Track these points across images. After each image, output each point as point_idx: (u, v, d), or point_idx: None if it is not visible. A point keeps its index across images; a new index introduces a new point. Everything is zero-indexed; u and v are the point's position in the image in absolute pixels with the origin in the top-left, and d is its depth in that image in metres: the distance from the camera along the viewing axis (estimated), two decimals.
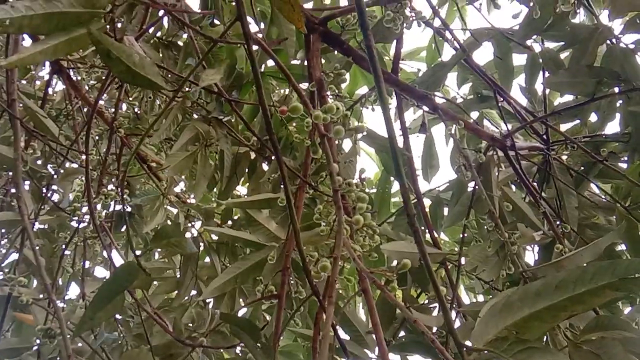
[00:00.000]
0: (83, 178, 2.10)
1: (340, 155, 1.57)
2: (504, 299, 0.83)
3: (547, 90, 1.99)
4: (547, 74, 1.89)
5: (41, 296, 1.99)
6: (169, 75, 2.36)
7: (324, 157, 1.14)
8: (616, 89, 1.73)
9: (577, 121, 2.01)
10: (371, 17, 1.63)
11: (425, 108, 1.72)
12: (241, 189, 2.77)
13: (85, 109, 2.62)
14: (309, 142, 1.51)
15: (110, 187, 2.40)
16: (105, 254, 2.11)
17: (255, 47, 1.14)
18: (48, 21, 1.14)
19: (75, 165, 2.53)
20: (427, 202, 2.16)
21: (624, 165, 1.91)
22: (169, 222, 2.84)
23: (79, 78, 2.55)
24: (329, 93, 1.57)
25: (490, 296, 1.97)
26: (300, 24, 1.19)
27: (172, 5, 1.23)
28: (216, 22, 2.38)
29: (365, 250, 1.24)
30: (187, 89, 1.65)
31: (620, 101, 1.81)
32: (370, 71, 1.62)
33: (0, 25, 1.10)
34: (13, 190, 2.23)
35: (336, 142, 1.50)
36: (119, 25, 1.68)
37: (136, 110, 2.60)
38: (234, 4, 2.17)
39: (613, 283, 0.75)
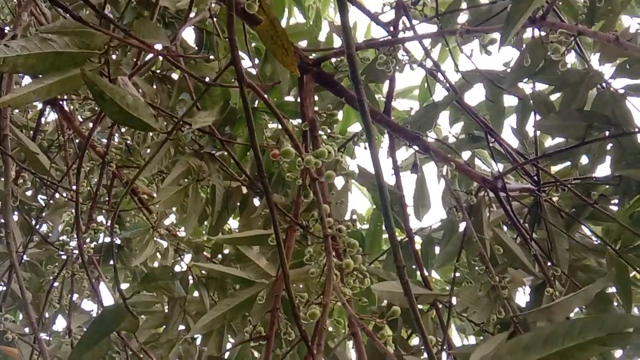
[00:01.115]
0: (73, 211, 2.10)
1: (331, 195, 1.57)
2: (493, 351, 0.82)
3: (538, 132, 2.00)
4: (538, 117, 1.91)
5: (27, 330, 1.97)
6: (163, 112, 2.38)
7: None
8: (607, 133, 1.75)
9: (568, 162, 2.02)
10: (363, 59, 1.65)
11: (417, 148, 1.73)
12: (232, 222, 2.76)
13: (77, 140, 2.62)
14: (300, 181, 1.52)
15: (100, 219, 2.40)
16: (93, 286, 2.09)
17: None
18: (43, 61, 1.15)
19: (65, 195, 2.52)
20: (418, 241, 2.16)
21: (616, 208, 1.92)
22: (158, 255, 2.82)
23: (72, 108, 2.56)
24: (321, 132, 1.57)
25: (482, 337, 1.95)
26: (294, 67, 1.20)
27: (166, 49, 1.24)
28: (211, 57, 2.40)
29: (355, 292, 1.23)
30: (180, 129, 1.65)
31: (611, 144, 1.83)
32: None
33: None
34: (2, 220, 2.22)
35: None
36: (114, 56, 1.69)
37: (128, 142, 2.61)
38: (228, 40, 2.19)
39: (601, 338, 0.75)
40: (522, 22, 0.92)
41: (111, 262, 2.53)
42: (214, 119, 1.23)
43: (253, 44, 2.22)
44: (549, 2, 1.21)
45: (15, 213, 2.23)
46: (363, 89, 0.72)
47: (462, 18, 2.18)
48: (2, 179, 2.43)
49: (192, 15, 1.95)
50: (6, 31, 2.24)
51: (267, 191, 1.13)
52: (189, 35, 2.37)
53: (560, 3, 1.80)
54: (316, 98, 2.14)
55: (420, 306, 1.79)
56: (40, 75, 1.16)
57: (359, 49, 1.66)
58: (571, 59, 2.14)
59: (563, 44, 1.23)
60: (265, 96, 1.15)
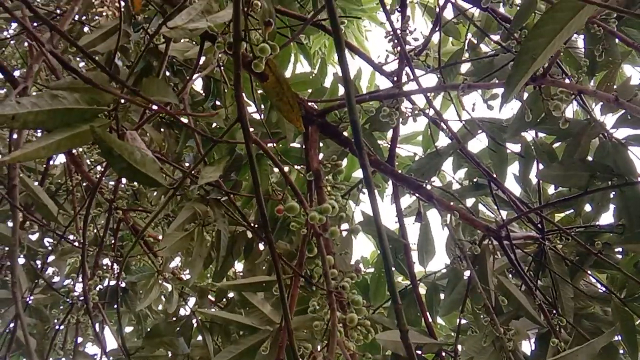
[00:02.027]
0: (79, 256, 2.11)
1: (335, 244, 1.58)
2: None
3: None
4: (540, 165, 1.92)
5: None
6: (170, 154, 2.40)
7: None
8: (609, 183, 1.76)
9: (572, 209, 2.03)
10: (367, 111, 1.67)
11: (421, 197, 1.74)
12: (237, 265, 2.77)
13: (84, 183, 2.65)
14: (304, 230, 1.53)
15: (105, 261, 2.40)
16: (97, 332, 2.09)
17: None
18: (53, 117, 1.17)
19: (73, 238, 2.54)
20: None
21: (620, 256, 1.92)
22: (162, 299, 2.82)
23: (80, 152, 2.59)
24: (326, 182, 1.58)
25: None
26: (299, 123, 1.22)
27: (173, 108, 1.26)
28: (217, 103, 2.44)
29: (359, 345, 1.23)
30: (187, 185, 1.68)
31: (614, 193, 1.84)
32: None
33: (5, 121, 1.12)
34: (8, 263, 2.23)
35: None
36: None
37: (134, 187, 2.63)
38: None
39: None
40: (522, 82, 0.94)
41: (116, 306, 2.55)
42: (220, 174, 1.25)
43: (259, 91, 2.26)
44: (550, 61, 1.24)
45: (22, 257, 2.25)
46: (367, 158, 0.74)
47: (465, 66, 2.22)
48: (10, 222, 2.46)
49: (200, 62, 1.99)
50: (16, 76, 2.28)
51: (271, 246, 1.14)
52: (197, 82, 2.41)
53: (562, 54, 1.83)
54: (321, 144, 2.18)
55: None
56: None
57: (362, 101, 1.68)
58: (574, 106, 2.17)
59: (564, 101, 1.25)
60: (270, 144, 1.16)
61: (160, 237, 2.80)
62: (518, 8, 1.82)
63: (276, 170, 2.57)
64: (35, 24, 2.46)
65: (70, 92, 1.21)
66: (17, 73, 3.32)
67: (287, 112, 1.23)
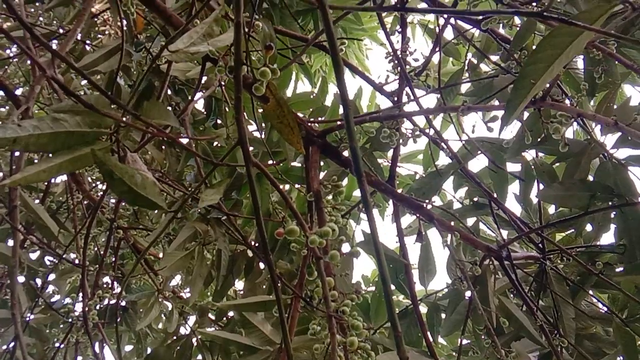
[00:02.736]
0: (79, 274, 2.10)
1: (336, 266, 1.57)
2: None
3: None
4: (541, 185, 1.92)
5: None
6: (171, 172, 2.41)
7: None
8: (610, 203, 1.76)
9: (573, 229, 2.02)
10: (367, 132, 1.68)
11: (421, 217, 1.74)
12: (238, 283, 2.76)
13: (85, 202, 2.65)
14: (305, 251, 1.52)
15: (106, 279, 2.40)
16: (96, 352, 2.08)
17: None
18: (54, 140, 1.17)
19: (74, 256, 2.53)
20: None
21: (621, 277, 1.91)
22: (163, 317, 2.81)
23: (81, 170, 2.59)
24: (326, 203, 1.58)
25: None
26: (299, 146, 1.23)
27: (176, 134, 1.27)
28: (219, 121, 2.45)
29: None
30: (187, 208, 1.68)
31: (614, 213, 1.83)
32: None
33: (7, 144, 1.12)
34: (8, 281, 2.23)
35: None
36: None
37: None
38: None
39: None
40: (522, 107, 0.95)
41: (115, 325, 2.54)
42: (220, 196, 1.25)
43: (260, 110, 2.26)
44: (549, 84, 1.24)
45: (22, 276, 2.24)
46: (366, 183, 0.74)
47: (465, 85, 2.23)
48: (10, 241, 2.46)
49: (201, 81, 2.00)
50: (18, 95, 2.29)
51: (271, 269, 1.14)
52: (198, 100, 2.42)
53: (561, 75, 1.83)
54: (322, 163, 2.18)
55: None
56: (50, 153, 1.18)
57: (362, 122, 1.69)
58: (574, 126, 2.17)
59: (563, 124, 1.26)
60: (272, 178, 1.17)
61: (160, 255, 2.79)
62: (517, 29, 1.83)
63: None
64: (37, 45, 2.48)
65: (71, 115, 1.21)
66: (19, 91, 3.34)
67: (288, 135, 1.23)
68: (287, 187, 2.55)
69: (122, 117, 1.15)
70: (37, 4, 2.78)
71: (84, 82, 2.98)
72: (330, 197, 1.74)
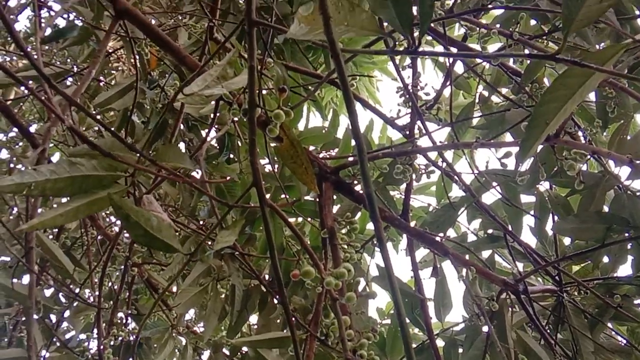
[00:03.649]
0: (94, 312, 2.10)
1: (351, 304, 1.57)
2: None
3: None
4: (556, 217, 1.91)
5: None
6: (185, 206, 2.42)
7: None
8: (626, 235, 1.74)
9: (589, 261, 2.00)
10: (380, 167, 1.68)
11: (436, 252, 1.73)
12: (252, 317, 2.75)
13: (99, 237, 2.66)
14: (319, 288, 1.52)
15: (120, 314, 2.39)
16: None
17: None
18: (71, 184, 1.18)
19: (87, 291, 2.53)
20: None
21: None
22: (177, 352, 2.80)
23: None
24: (340, 240, 1.58)
25: None
26: (313, 185, 1.23)
27: (190, 176, 1.28)
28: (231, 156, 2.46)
29: None
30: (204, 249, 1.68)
31: (631, 245, 1.82)
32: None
33: (25, 189, 1.13)
34: (23, 318, 2.23)
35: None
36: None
37: None
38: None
39: None
40: (536, 147, 0.95)
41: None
42: (235, 237, 1.25)
43: (273, 144, 2.27)
44: (563, 122, 1.24)
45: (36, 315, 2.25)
46: (381, 225, 0.74)
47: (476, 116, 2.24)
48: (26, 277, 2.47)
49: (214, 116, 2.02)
50: (33, 132, 2.32)
51: (286, 309, 1.14)
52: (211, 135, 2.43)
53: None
54: (335, 197, 2.18)
55: None
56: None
57: (375, 158, 1.70)
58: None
59: (578, 161, 1.25)
60: (285, 217, 1.17)
61: (174, 290, 2.79)
62: (528, 62, 1.84)
63: (290, 219, 2.57)
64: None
65: (88, 158, 1.22)
66: (33, 127, 3.38)
67: (302, 175, 1.24)
68: (298, 219, 2.56)
69: (138, 161, 1.16)
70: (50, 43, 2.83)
71: (99, 116, 3.02)
72: (344, 231, 1.75)
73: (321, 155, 2.56)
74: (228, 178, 2.22)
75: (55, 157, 3.18)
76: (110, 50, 2.87)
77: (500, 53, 1.47)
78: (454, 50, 1.81)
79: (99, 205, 1.22)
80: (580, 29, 0.93)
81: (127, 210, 1.11)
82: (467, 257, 1.94)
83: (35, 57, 2.21)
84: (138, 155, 1.14)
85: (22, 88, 3.50)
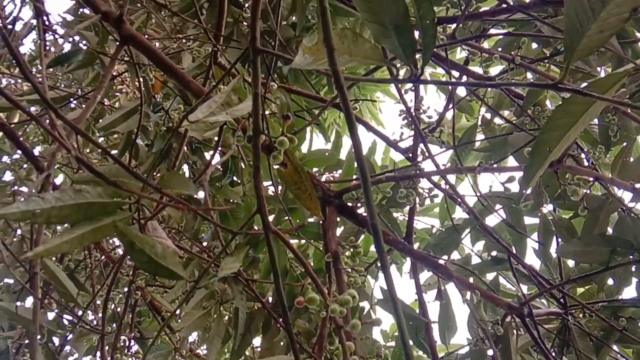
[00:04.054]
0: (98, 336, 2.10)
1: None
2: None
3: None
4: (560, 240, 1.91)
5: None
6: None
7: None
8: (631, 257, 1.74)
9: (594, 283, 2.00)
10: (384, 192, 1.69)
11: (440, 275, 1.73)
12: (255, 340, 2.73)
13: (102, 257, 2.66)
14: (324, 313, 1.52)
15: (123, 337, 2.39)
16: None
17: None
18: (76, 211, 1.19)
19: (90, 314, 2.53)
20: None
21: None
22: None
23: None
24: (344, 264, 1.58)
25: None
26: (317, 212, 1.23)
27: (194, 199, 1.29)
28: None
29: None
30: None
31: (635, 267, 1.81)
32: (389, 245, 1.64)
33: (30, 217, 1.14)
34: (26, 341, 2.23)
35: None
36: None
37: None
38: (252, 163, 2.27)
39: None
40: (539, 174, 0.95)
41: None
42: (240, 264, 1.25)
43: (276, 167, 2.28)
44: (566, 148, 1.24)
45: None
46: (386, 257, 0.74)
47: (479, 138, 2.24)
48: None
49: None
50: (37, 155, 2.33)
51: (290, 335, 1.13)
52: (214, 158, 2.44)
53: None
54: (338, 219, 2.18)
55: None
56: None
57: (379, 182, 1.70)
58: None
59: (581, 187, 1.26)
60: (291, 244, 1.17)
61: (177, 311, 2.78)
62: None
63: (293, 240, 2.57)
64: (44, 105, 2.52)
65: (93, 185, 1.23)
66: (37, 149, 3.40)
67: (306, 201, 1.24)
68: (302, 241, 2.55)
69: (142, 188, 1.16)
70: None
71: (101, 139, 3.03)
72: (348, 254, 1.75)
73: (324, 177, 2.57)
74: (232, 202, 2.22)
75: (59, 179, 3.19)
76: (114, 74, 2.89)
77: (503, 82, 1.48)
78: (455, 73, 1.82)
79: (103, 232, 1.22)
80: (581, 58, 0.94)
81: (132, 237, 1.11)
82: (471, 279, 1.93)
83: (40, 80, 2.24)
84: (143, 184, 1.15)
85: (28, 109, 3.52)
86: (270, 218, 2.44)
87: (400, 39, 0.98)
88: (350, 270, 1.54)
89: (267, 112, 1.60)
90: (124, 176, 1.25)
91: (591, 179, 1.27)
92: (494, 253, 2.12)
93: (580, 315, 1.91)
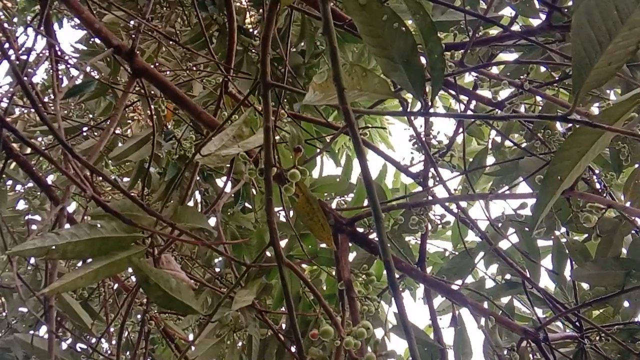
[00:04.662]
0: None
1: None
2: None
3: None
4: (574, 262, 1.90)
5: None
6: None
7: None
8: None
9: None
10: (396, 218, 1.69)
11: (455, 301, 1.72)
12: None
13: (115, 285, 2.66)
14: (338, 342, 1.51)
15: None
16: None
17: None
18: (91, 247, 1.20)
19: (104, 341, 2.53)
20: None
21: None
22: None
23: None
24: (358, 293, 1.58)
25: None
26: (330, 242, 1.24)
27: (207, 237, 1.29)
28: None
29: None
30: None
31: None
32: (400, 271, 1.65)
33: (46, 253, 1.15)
34: None
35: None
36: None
37: None
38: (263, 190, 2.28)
39: None
40: (551, 204, 0.95)
41: None
42: (254, 297, 1.26)
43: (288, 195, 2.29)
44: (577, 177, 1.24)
45: None
46: (396, 280, 0.75)
47: (490, 161, 2.24)
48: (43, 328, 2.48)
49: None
50: (49, 182, 2.35)
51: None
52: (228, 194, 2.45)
53: None
54: (350, 244, 2.18)
55: None
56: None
57: (390, 209, 1.70)
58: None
59: (593, 214, 1.26)
60: (304, 276, 1.18)
61: (190, 338, 2.78)
62: (539, 108, 1.85)
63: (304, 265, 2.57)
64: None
65: (107, 220, 1.24)
66: (50, 178, 3.42)
67: (319, 232, 1.25)
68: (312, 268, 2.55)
69: (156, 223, 1.17)
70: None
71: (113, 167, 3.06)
72: (361, 280, 1.74)
73: (335, 201, 2.57)
74: (244, 229, 2.23)
75: (72, 206, 3.22)
76: (127, 103, 2.92)
77: (512, 115, 1.49)
78: (464, 97, 1.83)
79: (118, 266, 1.23)
80: (590, 90, 0.95)
81: (147, 272, 1.12)
82: (485, 304, 1.92)
83: (53, 111, 2.26)
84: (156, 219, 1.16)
85: (40, 139, 3.56)
86: (282, 243, 2.45)
87: (409, 73, 0.99)
88: (363, 298, 1.54)
89: (277, 137, 1.62)
90: (138, 210, 1.27)
91: (603, 206, 1.27)
92: (507, 276, 2.11)
93: (597, 339, 1.89)
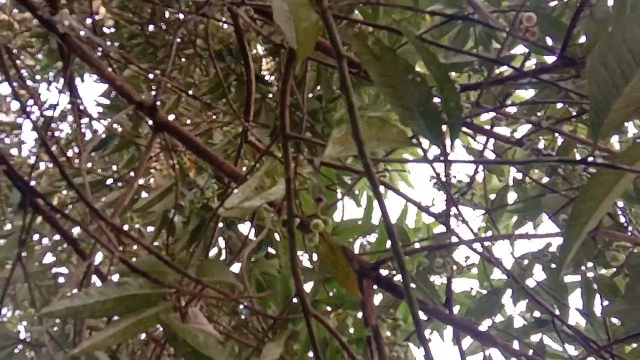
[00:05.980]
0: None
1: None
2: None
3: None
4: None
5: None
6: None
7: None
8: None
9: None
10: (421, 262, 1.69)
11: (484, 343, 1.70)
12: None
13: (142, 335, 2.67)
14: None
15: None
16: None
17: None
18: (119, 304, 1.21)
19: None
20: None
21: None
22: None
23: None
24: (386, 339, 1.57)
25: None
26: (355, 291, 1.24)
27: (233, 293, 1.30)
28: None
29: None
30: None
31: None
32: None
33: (75, 313, 1.17)
34: None
35: None
36: None
37: None
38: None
39: None
40: (576, 247, 0.94)
41: None
42: (282, 350, 1.26)
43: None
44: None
45: None
46: (422, 327, 0.74)
47: (511, 197, 2.24)
48: None
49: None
50: (75, 236, 2.38)
51: None
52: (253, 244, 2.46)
53: None
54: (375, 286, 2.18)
55: None
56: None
57: (414, 252, 1.70)
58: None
59: (620, 253, 1.24)
60: (328, 324, 1.18)
61: None
62: (559, 144, 1.85)
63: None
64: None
65: (134, 277, 1.25)
66: (76, 230, 3.46)
67: (343, 281, 1.25)
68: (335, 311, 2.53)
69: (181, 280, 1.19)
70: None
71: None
72: (388, 323, 1.73)
73: (358, 242, 2.57)
74: (268, 275, 2.24)
75: (98, 257, 3.25)
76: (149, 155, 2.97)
77: (531, 159, 1.49)
78: (482, 138, 1.84)
79: (146, 324, 1.24)
80: (608, 133, 0.95)
81: (175, 329, 1.13)
82: (515, 342, 1.90)
83: (78, 165, 2.30)
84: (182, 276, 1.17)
85: (65, 192, 3.62)
86: (307, 287, 2.44)
87: (426, 121, 1.00)
88: (392, 344, 1.53)
89: (297, 183, 1.63)
90: (164, 266, 1.28)
91: (630, 244, 1.25)
92: (537, 313, 2.08)
93: None
